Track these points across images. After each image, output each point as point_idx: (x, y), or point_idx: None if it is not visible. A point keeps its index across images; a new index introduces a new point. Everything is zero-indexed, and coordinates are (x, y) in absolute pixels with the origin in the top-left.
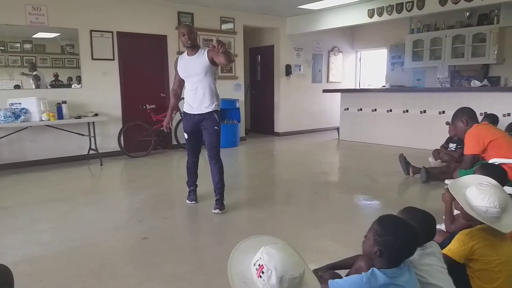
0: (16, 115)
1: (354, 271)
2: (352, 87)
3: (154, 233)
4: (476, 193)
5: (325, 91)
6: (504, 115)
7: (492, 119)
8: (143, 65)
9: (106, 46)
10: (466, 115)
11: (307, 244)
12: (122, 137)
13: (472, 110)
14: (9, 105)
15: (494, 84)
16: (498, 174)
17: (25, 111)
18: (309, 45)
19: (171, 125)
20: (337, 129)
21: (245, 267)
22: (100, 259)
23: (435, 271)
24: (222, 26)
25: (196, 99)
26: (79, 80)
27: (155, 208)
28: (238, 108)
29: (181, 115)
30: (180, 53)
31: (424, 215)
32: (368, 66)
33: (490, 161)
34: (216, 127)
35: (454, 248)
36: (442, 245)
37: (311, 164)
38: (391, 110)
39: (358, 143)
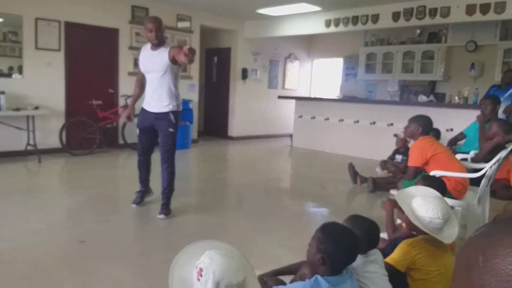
0: None
1: (299, 278)
2: (307, 95)
3: (94, 237)
4: (421, 204)
5: (280, 97)
6: (447, 130)
7: (435, 133)
8: (91, 59)
9: (52, 35)
10: (423, 125)
11: (255, 249)
12: (64, 133)
13: (431, 121)
14: None
15: (440, 100)
16: (438, 185)
17: None
18: (266, 50)
19: (133, 116)
20: (291, 136)
21: (187, 270)
22: (33, 262)
23: (377, 278)
24: (178, 24)
25: (154, 96)
26: (20, 70)
27: (96, 210)
28: (191, 109)
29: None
30: (134, 48)
31: (368, 223)
32: (323, 75)
33: (431, 173)
34: (171, 129)
35: (396, 257)
36: (384, 252)
37: (263, 169)
38: (343, 120)
39: (310, 150)
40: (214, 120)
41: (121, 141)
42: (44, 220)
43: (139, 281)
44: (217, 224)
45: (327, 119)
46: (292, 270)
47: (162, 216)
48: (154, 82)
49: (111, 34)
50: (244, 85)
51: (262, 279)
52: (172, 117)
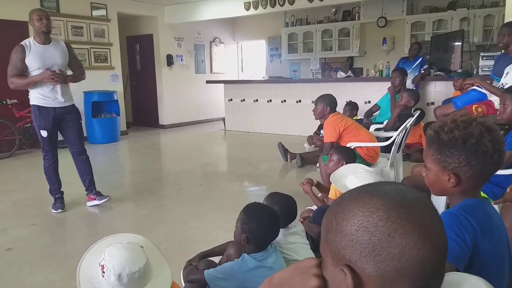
0: None
1: (225, 259)
2: (236, 78)
3: (21, 242)
4: (354, 181)
5: (208, 82)
6: (365, 102)
7: (352, 106)
8: (1, 55)
9: None
10: (329, 103)
11: (190, 235)
12: None
13: (334, 99)
14: None
15: (357, 75)
16: (349, 154)
17: None
18: (190, 35)
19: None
20: (223, 119)
21: (93, 268)
22: None
23: (299, 248)
24: (93, 12)
25: (57, 91)
26: None
27: (21, 215)
28: (117, 100)
29: None
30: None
31: (286, 198)
32: (250, 57)
33: (348, 145)
34: (80, 120)
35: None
36: (313, 219)
37: (198, 155)
38: (271, 100)
39: (242, 132)
40: (143, 109)
41: None
42: None
43: (69, 282)
44: (151, 215)
45: (256, 100)
46: (218, 251)
47: (105, 199)
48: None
49: (21, 27)
50: (171, 72)
51: (190, 264)
52: (77, 108)
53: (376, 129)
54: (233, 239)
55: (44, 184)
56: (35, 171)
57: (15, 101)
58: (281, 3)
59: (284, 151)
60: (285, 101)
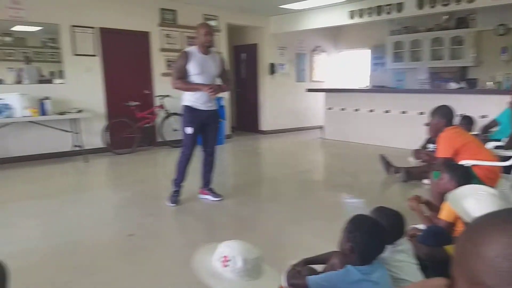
0: None
1: (330, 268)
2: (336, 86)
3: (140, 230)
4: (474, 204)
5: (308, 90)
6: (481, 117)
7: (468, 121)
8: (126, 62)
9: (88, 42)
10: (445, 116)
11: (289, 239)
12: (106, 134)
13: (451, 111)
14: None
15: (472, 86)
16: (463, 173)
17: (7, 106)
18: (292, 44)
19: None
20: (321, 128)
21: (208, 265)
22: (86, 254)
23: (407, 266)
24: None
25: (207, 96)
26: (60, 75)
27: (141, 205)
28: (223, 106)
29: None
30: (165, 50)
31: (394, 214)
32: (351, 66)
33: (461, 163)
34: (219, 124)
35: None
36: (421, 240)
37: (296, 162)
38: (373, 110)
39: (341, 141)
40: (246, 115)
41: (159, 139)
42: (95, 216)
43: (184, 271)
44: (252, 217)
45: (357, 110)
46: (322, 259)
47: (220, 198)
48: (209, 83)
49: (143, 37)
50: (273, 80)
51: (294, 268)
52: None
53: (496, 147)
54: (336, 250)
55: (160, 179)
56: (152, 166)
57: (137, 103)
58: (387, 11)
59: (387, 164)
60: (388, 111)
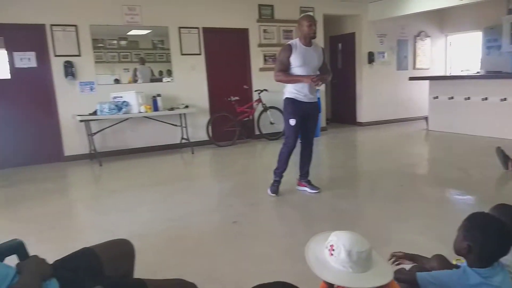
0: (118, 107)
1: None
2: (442, 73)
3: (243, 218)
4: None
5: (411, 78)
6: None
7: None
8: (226, 59)
9: (193, 41)
10: None
11: (392, 236)
12: (210, 128)
13: None
14: (112, 98)
15: None
16: None
17: (126, 103)
18: (393, 30)
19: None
20: (426, 118)
21: (317, 251)
22: (195, 238)
23: None
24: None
25: (309, 88)
26: (169, 73)
27: (242, 195)
28: (319, 97)
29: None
30: (263, 45)
31: None
32: (460, 51)
33: None
34: (319, 116)
35: None
36: None
37: (396, 155)
38: (486, 98)
39: (448, 133)
40: (342, 107)
41: (257, 132)
42: (201, 203)
43: (285, 259)
44: (351, 210)
45: (468, 98)
46: (424, 261)
47: (317, 190)
48: (311, 74)
49: (242, 34)
50: (371, 69)
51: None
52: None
53: None
54: (437, 253)
55: (258, 170)
56: (251, 158)
57: (237, 98)
58: None
59: (505, 158)
60: (505, 99)
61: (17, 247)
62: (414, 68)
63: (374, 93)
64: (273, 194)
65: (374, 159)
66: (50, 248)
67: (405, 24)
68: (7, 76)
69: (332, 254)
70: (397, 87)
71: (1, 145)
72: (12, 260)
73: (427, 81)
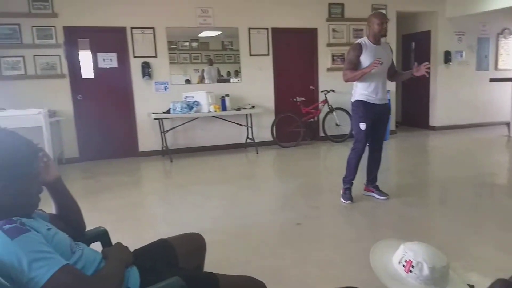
0: (190, 107)
1: None
2: None
3: (307, 221)
4: None
5: (492, 80)
6: None
7: None
8: (293, 59)
9: (262, 42)
10: None
11: (466, 250)
12: (274, 128)
13: None
14: (184, 98)
15: None
16: None
17: (196, 103)
18: (472, 28)
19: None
20: (507, 124)
21: (388, 265)
22: (260, 237)
23: None
24: None
25: (380, 88)
26: (236, 74)
27: (306, 197)
28: (389, 99)
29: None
30: (332, 44)
31: None
32: None
33: None
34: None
35: None
36: None
37: (473, 163)
38: None
39: None
40: (413, 109)
41: (321, 134)
42: (265, 203)
43: (350, 265)
44: (421, 220)
45: None
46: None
47: (385, 197)
48: (382, 74)
49: (311, 34)
50: (447, 69)
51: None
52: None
53: None
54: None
55: (322, 173)
56: (315, 160)
57: (303, 99)
58: None
59: None
60: None
61: (102, 235)
62: (495, 68)
63: (449, 95)
64: (348, 201)
65: (447, 166)
66: (125, 237)
67: (487, 21)
68: (91, 75)
69: (410, 271)
70: (476, 89)
71: (84, 140)
72: (95, 247)
73: (510, 83)
